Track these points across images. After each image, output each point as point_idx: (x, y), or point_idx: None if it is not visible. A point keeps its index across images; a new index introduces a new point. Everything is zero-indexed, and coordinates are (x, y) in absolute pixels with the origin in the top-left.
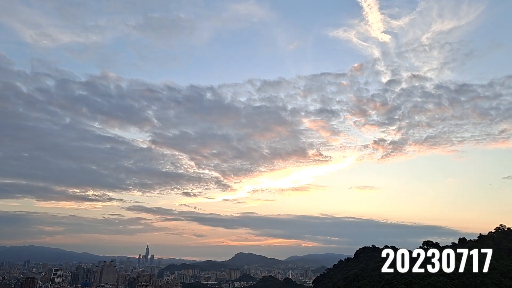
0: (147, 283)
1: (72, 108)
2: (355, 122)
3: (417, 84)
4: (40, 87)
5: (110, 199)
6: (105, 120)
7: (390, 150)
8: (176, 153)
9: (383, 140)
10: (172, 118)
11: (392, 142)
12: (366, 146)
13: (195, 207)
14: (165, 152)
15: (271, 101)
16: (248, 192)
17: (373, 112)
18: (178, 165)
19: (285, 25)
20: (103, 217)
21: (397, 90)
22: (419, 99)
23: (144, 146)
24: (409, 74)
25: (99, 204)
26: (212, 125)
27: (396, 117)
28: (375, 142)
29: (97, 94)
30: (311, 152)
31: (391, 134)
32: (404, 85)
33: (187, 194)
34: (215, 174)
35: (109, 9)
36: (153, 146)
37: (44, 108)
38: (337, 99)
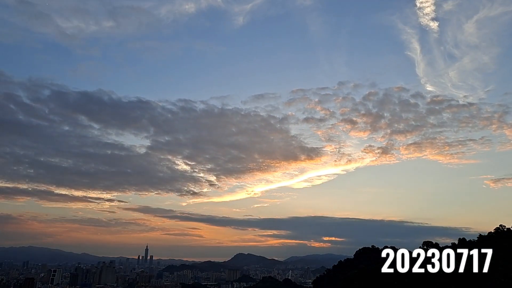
0: (147, 283)
1: (70, 116)
2: (343, 128)
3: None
4: (38, 97)
5: (109, 200)
6: (103, 128)
7: (378, 155)
8: (173, 157)
9: (371, 146)
10: (168, 126)
11: (380, 148)
12: (357, 151)
13: (193, 208)
14: (161, 157)
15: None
16: (245, 194)
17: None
18: (175, 168)
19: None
20: (102, 218)
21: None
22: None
23: (142, 151)
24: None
25: (98, 206)
26: (205, 132)
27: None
28: (365, 148)
29: (92, 103)
30: (303, 156)
31: (378, 140)
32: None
33: (185, 195)
34: (210, 177)
35: (101, 33)
36: (150, 151)
37: (43, 116)
38: (324, 107)
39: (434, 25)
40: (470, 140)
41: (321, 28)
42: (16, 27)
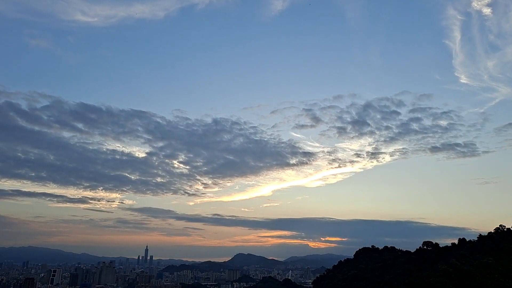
0: (146, 284)
1: (70, 124)
2: (335, 134)
3: None
4: (37, 106)
5: (109, 201)
6: (102, 134)
7: (369, 158)
8: (171, 161)
9: (361, 150)
10: (164, 133)
11: (368, 152)
12: (350, 155)
13: (192, 209)
14: (160, 161)
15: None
16: (255, 193)
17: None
18: (174, 171)
19: None
20: (103, 218)
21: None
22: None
23: (141, 155)
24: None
25: (98, 206)
26: (199, 138)
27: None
28: (355, 153)
29: (90, 112)
30: (295, 160)
31: (366, 146)
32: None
33: (184, 196)
34: (206, 180)
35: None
36: (149, 156)
37: (43, 123)
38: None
39: (487, 11)
40: None
41: (359, 15)
42: (17, 44)
